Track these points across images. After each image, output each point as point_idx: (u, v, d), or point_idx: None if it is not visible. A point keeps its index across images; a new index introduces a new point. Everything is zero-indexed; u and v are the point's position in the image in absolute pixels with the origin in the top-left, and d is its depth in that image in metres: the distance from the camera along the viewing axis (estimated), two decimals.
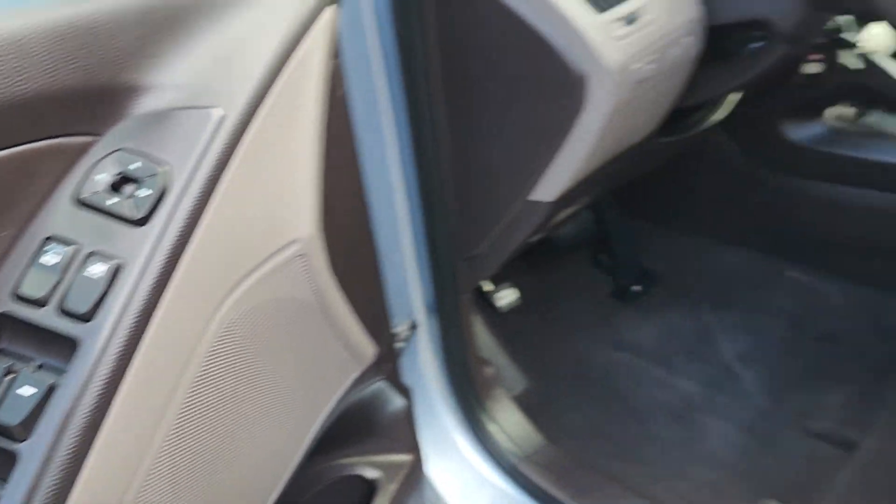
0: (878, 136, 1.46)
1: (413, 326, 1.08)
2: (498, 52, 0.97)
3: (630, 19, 0.95)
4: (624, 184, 1.46)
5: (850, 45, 1.25)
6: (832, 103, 1.49)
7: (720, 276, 1.71)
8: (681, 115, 1.28)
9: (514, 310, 1.45)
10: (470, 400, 1.20)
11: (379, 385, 0.94)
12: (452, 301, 1.12)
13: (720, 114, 1.31)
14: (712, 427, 1.41)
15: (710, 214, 1.73)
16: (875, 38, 1.36)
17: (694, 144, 1.43)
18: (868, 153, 1.43)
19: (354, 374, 0.83)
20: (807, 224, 1.57)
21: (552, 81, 0.96)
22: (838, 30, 1.25)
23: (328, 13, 0.72)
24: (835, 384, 1.43)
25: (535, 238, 1.24)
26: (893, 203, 1.42)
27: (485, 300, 1.43)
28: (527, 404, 1.34)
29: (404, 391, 0.99)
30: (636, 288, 1.71)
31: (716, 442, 1.38)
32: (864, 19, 1.28)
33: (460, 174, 1.04)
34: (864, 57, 1.27)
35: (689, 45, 1.03)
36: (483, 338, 1.38)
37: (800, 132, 1.46)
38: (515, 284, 1.45)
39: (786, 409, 1.41)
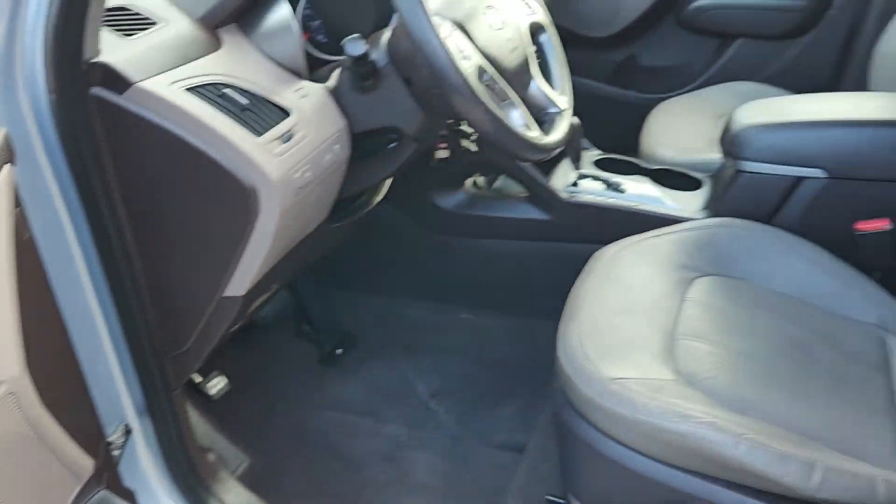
0: (506, 197, 1.84)
1: (127, 431, 1.14)
2: (177, 174, 1.10)
3: (286, 138, 1.14)
4: (311, 263, 1.66)
5: (468, 135, 1.59)
6: (470, 174, 1.84)
7: (410, 327, 1.98)
8: (349, 201, 1.50)
9: (227, 394, 1.55)
10: (196, 489, 1.28)
11: (102, 494, 1.00)
12: (164, 399, 1.21)
13: (380, 196, 1.56)
14: (419, 461, 1.64)
15: (393, 276, 2.01)
16: None
17: (367, 221, 1.67)
18: (500, 212, 1.79)
19: (76, 489, 0.89)
20: (466, 273, 1.90)
21: (229, 195, 1.11)
22: (457, 123, 1.58)
23: (5, 170, 0.80)
24: (506, 401, 1.75)
25: (237, 326, 1.37)
26: (523, 248, 1.79)
27: (197, 391, 1.51)
28: (252, 479, 1.45)
29: (128, 495, 1.06)
30: (339, 351, 1.90)
31: (423, 473, 1.61)
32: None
33: (157, 284, 1.15)
34: (480, 142, 1.63)
35: (338, 151, 1.25)
36: (201, 427, 1.47)
37: (447, 200, 1.79)
38: (224, 370, 1.56)
39: (473, 431, 1.69)
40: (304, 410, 1.75)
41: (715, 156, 1.77)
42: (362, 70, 1.19)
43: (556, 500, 1.34)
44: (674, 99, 2.24)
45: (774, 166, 1.55)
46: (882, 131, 1.48)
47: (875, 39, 2.02)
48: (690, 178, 1.78)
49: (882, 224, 1.47)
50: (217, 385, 1.50)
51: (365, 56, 1.17)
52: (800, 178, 1.53)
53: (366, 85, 1.23)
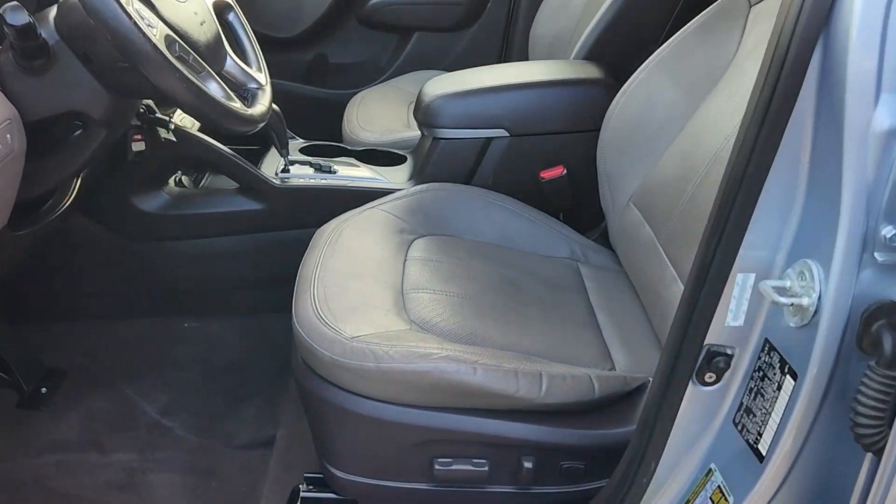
0: (214, 192, 1.76)
1: None
2: None
3: None
4: None
5: (164, 123, 1.49)
6: (172, 172, 1.74)
7: (127, 349, 1.81)
8: (33, 207, 1.33)
9: None
10: None
11: None
12: None
13: (70, 198, 1.40)
14: (158, 483, 1.50)
15: (96, 295, 1.81)
16: (186, 116, 1.65)
17: (55, 232, 1.49)
18: (209, 208, 1.71)
19: None
20: (181, 279, 1.79)
21: None
22: (152, 110, 1.48)
23: None
24: (247, 401, 1.68)
25: None
26: (239, 243, 1.73)
27: None
28: None
29: None
30: (44, 390, 1.68)
31: (165, 493, 1.48)
32: (164, 104, 1.54)
33: None
34: (179, 131, 1.54)
35: (9, 143, 1.10)
36: None
37: (148, 202, 1.66)
38: None
39: (215, 438, 1.59)
40: (11, 461, 1.51)
41: (413, 133, 1.87)
42: (29, 46, 1.06)
43: (312, 475, 1.31)
44: (366, 90, 2.33)
45: (465, 131, 1.68)
46: (548, 90, 1.69)
47: (529, 23, 2.29)
48: (394, 154, 1.86)
49: (559, 171, 1.68)
50: None
51: (30, 28, 1.04)
52: (488, 139, 1.68)
53: (36, 66, 1.10)
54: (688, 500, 0.97)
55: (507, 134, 1.67)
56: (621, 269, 1.60)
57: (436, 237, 1.53)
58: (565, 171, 1.67)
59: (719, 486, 0.92)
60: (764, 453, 0.85)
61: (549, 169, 1.67)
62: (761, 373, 0.86)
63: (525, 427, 1.15)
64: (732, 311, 0.86)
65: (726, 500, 0.90)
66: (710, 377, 0.90)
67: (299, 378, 1.22)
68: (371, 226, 1.49)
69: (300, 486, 1.31)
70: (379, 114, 2.12)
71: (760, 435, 0.86)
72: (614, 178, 1.53)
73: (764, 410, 0.85)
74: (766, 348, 0.85)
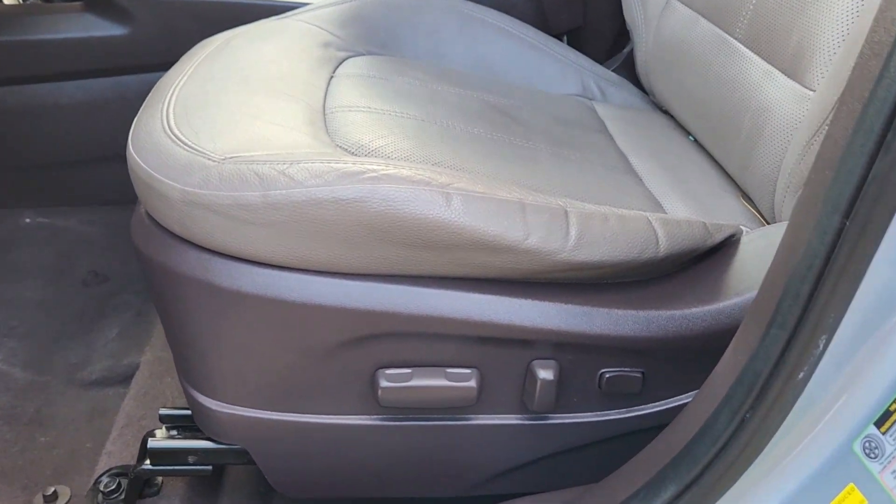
0: (48, 9, 1.19)
1: None
2: None
3: None
4: None
5: None
6: None
7: None
8: None
9: None
10: None
11: None
12: None
13: None
14: None
15: None
16: None
17: None
18: (42, 33, 1.15)
19: None
20: (13, 149, 1.23)
21: None
22: None
23: None
24: (104, 321, 1.14)
25: None
26: (92, 91, 1.18)
27: None
28: None
29: None
30: None
31: None
32: None
33: None
34: None
35: None
36: None
37: None
38: None
39: (54, 373, 1.05)
40: None
41: None
42: None
43: (172, 412, 0.80)
44: None
45: None
46: None
47: None
48: None
49: None
50: None
51: None
52: None
53: None
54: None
55: None
56: (654, 109, 1.10)
57: (382, 57, 1.01)
58: None
59: None
60: None
61: None
62: None
63: (538, 307, 0.64)
64: None
65: None
66: None
67: (139, 245, 0.69)
68: (279, 38, 0.96)
69: (154, 431, 0.78)
70: None
71: None
72: None
73: None
74: None
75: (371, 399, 0.67)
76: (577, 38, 1.19)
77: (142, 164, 0.66)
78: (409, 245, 0.60)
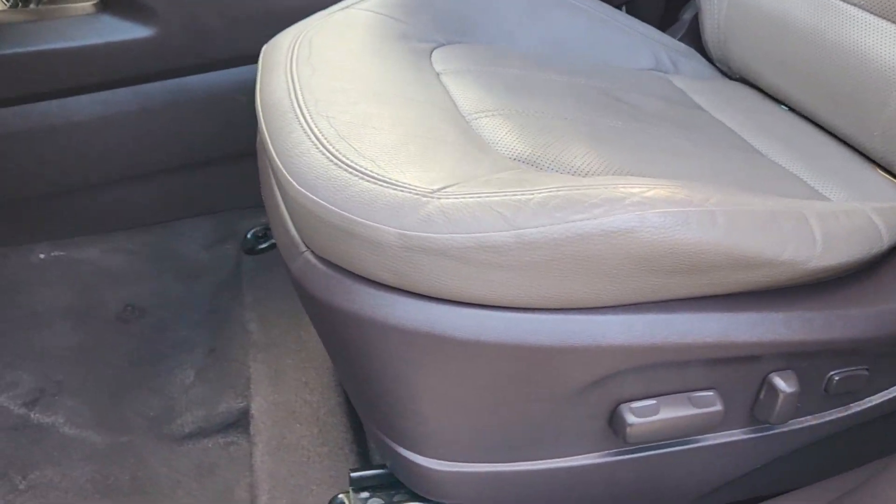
0: (61, 12, 1.03)
1: None
2: None
3: None
4: None
5: None
6: None
7: None
8: None
9: None
10: None
11: None
12: None
13: None
14: None
15: None
16: None
17: None
18: (55, 42, 0.99)
19: None
20: (22, 175, 1.07)
21: None
22: None
23: None
24: (176, 363, 1.02)
25: None
26: (113, 103, 1.03)
27: None
28: None
29: None
30: None
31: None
32: None
33: None
34: None
35: None
36: None
37: None
38: None
39: (137, 428, 0.94)
40: None
41: None
42: None
43: (364, 474, 0.72)
44: None
45: None
46: None
47: None
48: None
49: None
50: None
51: None
52: None
53: None
54: None
55: None
56: (726, 79, 1.08)
57: (462, 45, 0.93)
58: None
59: None
60: None
61: None
62: None
63: (772, 318, 0.61)
64: None
65: None
66: None
67: (320, 296, 0.60)
68: (356, 34, 0.86)
69: (338, 497, 0.70)
70: None
71: None
72: None
73: None
74: None
75: (609, 435, 0.62)
76: (632, 6, 1.14)
77: (331, 207, 0.57)
78: (672, 272, 0.55)
